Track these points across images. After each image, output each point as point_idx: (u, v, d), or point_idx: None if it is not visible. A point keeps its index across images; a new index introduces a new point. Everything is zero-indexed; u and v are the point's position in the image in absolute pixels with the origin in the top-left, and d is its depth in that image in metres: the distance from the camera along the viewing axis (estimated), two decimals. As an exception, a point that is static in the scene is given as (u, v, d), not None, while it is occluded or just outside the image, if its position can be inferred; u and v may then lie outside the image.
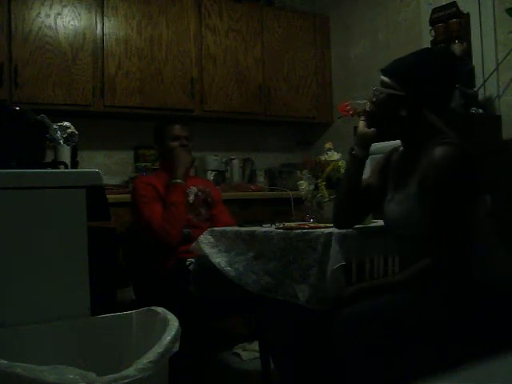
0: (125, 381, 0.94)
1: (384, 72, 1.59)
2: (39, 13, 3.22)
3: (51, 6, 3.26)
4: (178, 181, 2.50)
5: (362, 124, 1.66)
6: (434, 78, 1.54)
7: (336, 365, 1.51)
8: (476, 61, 3.07)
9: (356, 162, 1.68)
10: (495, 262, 1.48)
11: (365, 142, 1.67)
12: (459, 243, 1.42)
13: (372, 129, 1.64)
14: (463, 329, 1.40)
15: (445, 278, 1.42)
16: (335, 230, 1.63)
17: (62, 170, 1.56)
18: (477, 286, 1.43)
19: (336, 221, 1.71)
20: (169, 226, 2.40)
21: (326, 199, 1.93)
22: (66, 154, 1.69)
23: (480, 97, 2.98)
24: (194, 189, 2.63)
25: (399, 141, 1.69)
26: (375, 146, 2.06)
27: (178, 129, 2.64)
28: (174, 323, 1.19)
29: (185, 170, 2.55)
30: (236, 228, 1.98)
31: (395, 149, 1.73)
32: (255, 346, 2.72)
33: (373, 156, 2.27)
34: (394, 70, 1.57)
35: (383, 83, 1.57)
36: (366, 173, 1.79)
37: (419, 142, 1.55)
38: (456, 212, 1.42)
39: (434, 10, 3.15)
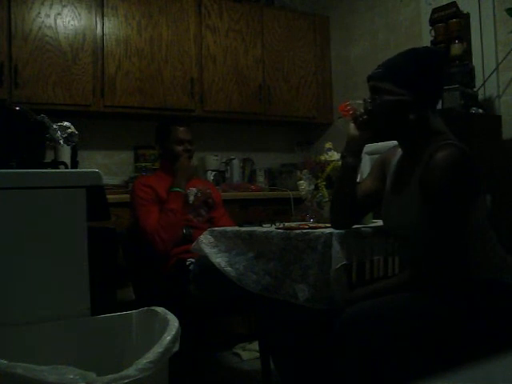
0: (125, 381, 0.94)
1: (381, 77, 1.54)
2: (39, 13, 3.22)
3: (51, 5, 3.26)
4: (179, 189, 2.51)
5: (351, 127, 1.65)
6: (432, 78, 1.54)
7: (336, 365, 1.51)
8: (476, 61, 3.07)
9: (348, 169, 1.66)
10: (495, 262, 1.48)
11: (355, 145, 1.65)
12: (460, 244, 1.42)
13: (363, 132, 1.63)
14: (463, 329, 1.40)
15: (445, 279, 1.42)
16: (335, 230, 1.63)
17: (62, 169, 1.56)
18: (476, 287, 1.43)
19: (333, 223, 1.71)
20: (163, 231, 2.40)
21: (326, 199, 1.93)
22: (66, 154, 1.69)
23: (480, 97, 2.97)
24: (193, 189, 2.63)
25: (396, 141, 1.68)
26: (375, 145, 2.06)
27: (182, 132, 2.64)
28: (174, 323, 1.19)
29: (186, 179, 2.57)
30: (236, 228, 1.98)
31: (393, 148, 1.72)
32: (255, 346, 2.72)
33: (373, 156, 2.27)
34: (393, 74, 1.53)
35: (383, 90, 1.53)
36: (366, 173, 1.79)
37: (419, 143, 1.54)
38: (457, 213, 1.42)
39: (434, 10, 3.15)
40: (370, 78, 1.59)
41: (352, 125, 1.65)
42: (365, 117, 1.60)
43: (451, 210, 1.42)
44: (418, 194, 1.47)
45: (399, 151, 1.67)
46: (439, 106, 1.93)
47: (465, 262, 1.42)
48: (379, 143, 2.01)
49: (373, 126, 1.60)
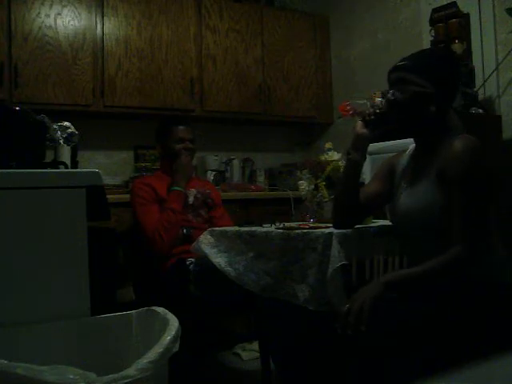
0: (125, 381, 0.94)
1: (407, 69, 1.56)
2: (39, 13, 3.22)
3: (51, 5, 3.26)
4: (179, 189, 2.51)
5: (359, 125, 1.65)
6: (452, 74, 1.58)
7: (336, 365, 1.51)
8: (476, 61, 3.07)
9: (353, 167, 1.66)
10: (496, 262, 1.48)
11: (361, 143, 1.66)
12: (483, 235, 1.43)
13: (370, 130, 1.63)
14: (463, 329, 1.40)
15: (466, 272, 1.41)
16: (335, 230, 1.63)
17: (62, 169, 1.56)
18: (477, 287, 1.43)
19: (335, 222, 1.71)
20: (163, 231, 2.39)
21: (326, 199, 1.93)
22: (66, 153, 1.69)
23: (480, 97, 2.97)
24: (193, 190, 2.63)
25: (398, 141, 1.68)
26: (376, 145, 2.07)
27: (182, 131, 2.64)
28: (174, 323, 1.19)
29: (186, 179, 2.57)
30: (236, 228, 1.98)
31: (400, 152, 1.73)
32: (255, 345, 2.71)
33: (373, 156, 2.27)
34: (416, 66, 1.55)
35: (408, 81, 1.54)
36: (367, 172, 1.79)
37: (436, 137, 1.55)
38: (480, 202, 1.43)
39: (434, 10, 3.15)
40: (395, 69, 1.59)
41: (360, 122, 1.65)
42: (374, 116, 1.60)
43: (475, 199, 1.42)
44: (436, 183, 1.47)
45: (406, 153, 1.69)
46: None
47: (482, 258, 1.42)
48: (381, 143, 2.01)
49: (386, 122, 1.61)
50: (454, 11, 3.05)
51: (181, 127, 2.64)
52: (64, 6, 3.29)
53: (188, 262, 2.34)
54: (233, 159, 4.01)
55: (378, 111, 1.60)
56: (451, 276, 1.40)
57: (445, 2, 3.16)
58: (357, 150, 1.65)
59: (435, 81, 1.53)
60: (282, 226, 1.87)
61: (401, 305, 1.42)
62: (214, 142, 4.08)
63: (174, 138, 2.61)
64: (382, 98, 1.62)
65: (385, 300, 1.42)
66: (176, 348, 1.11)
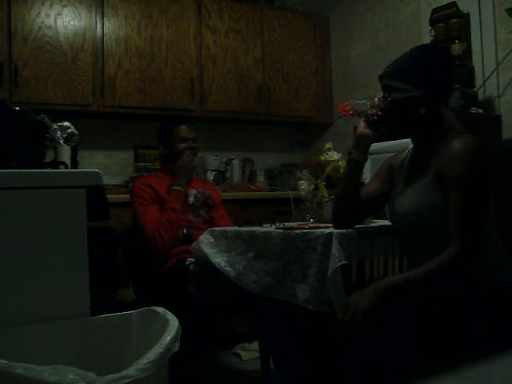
0: (125, 381, 0.94)
1: (390, 76, 1.56)
2: (39, 13, 3.22)
3: (51, 5, 3.26)
4: (180, 188, 2.52)
5: (362, 125, 1.66)
6: (440, 73, 1.55)
7: (336, 365, 1.51)
8: (476, 61, 3.07)
9: (355, 166, 1.66)
10: (497, 262, 1.48)
11: (364, 143, 1.66)
12: (481, 235, 1.42)
13: (372, 130, 1.64)
14: (464, 329, 1.40)
15: (463, 272, 1.41)
16: (335, 230, 1.63)
17: (62, 169, 1.56)
18: (478, 287, 1.43)
19: (334, 221, 1.71)
20: (163, 230, 2.40)
21: (326, 199, 1.93)
22: (66, 153, 1.69)
23: (480, 97, 2.98)
24: (193, 190, 2.64)
25: (398, 141, 1.68)
26: (376, 145, 2.07)
27: (184, 130, 2.64)
28: (174, 323, 1.19)
29: (187, 179, 2.57)
30: (236, 228, 1.97)
31: (399, 152, 1.73)
32: (255, 345, 2.72)
33: (373, 156, 2.28)
34: (401, 71, 1.55)
35: (392, 87, 1.55)
36: (367, 172, 1.78)
37: (433, 137, 1.55)
38: (479, 203, 1.43)
39: (434, 10, 3.15)
40: (380, 77, 1.60)
41: (362, 123, 1.65)
42: (376, 116, 1.60)
43: (474, 198, 1.41)
44: (435, 183, 1.47)
45: (405, 153, 1.68)
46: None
47: (481, 257, 1.42)
48: (381, 143, 2.01)
49: (385, 124, 1.61)
50: (453, 11, 3.05)
51: (183, 127, 2.65)
52: (64, 6, 3.29)
53: (188, 262, 2.34)
54: (233, 159, 4.01)
55: (379, 113, 1.61)
56: (449, 276, 1.40)
57: (445, 2, 3.16)
58: (359, 150, 1.65)
59: (423, 82, 1.52)
60: (282, 226, 1.87)
61: (400, 305, 1.42)
62: (214, 142, 4.08)
63: (177, 138, 2.62)
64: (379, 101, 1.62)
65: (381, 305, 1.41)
66: (176, 348, 1.11)
